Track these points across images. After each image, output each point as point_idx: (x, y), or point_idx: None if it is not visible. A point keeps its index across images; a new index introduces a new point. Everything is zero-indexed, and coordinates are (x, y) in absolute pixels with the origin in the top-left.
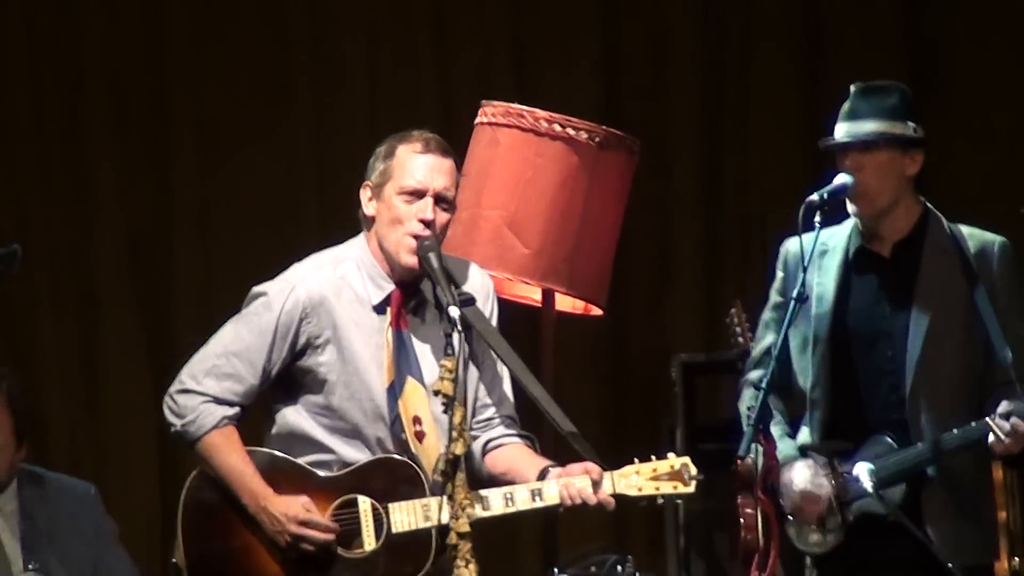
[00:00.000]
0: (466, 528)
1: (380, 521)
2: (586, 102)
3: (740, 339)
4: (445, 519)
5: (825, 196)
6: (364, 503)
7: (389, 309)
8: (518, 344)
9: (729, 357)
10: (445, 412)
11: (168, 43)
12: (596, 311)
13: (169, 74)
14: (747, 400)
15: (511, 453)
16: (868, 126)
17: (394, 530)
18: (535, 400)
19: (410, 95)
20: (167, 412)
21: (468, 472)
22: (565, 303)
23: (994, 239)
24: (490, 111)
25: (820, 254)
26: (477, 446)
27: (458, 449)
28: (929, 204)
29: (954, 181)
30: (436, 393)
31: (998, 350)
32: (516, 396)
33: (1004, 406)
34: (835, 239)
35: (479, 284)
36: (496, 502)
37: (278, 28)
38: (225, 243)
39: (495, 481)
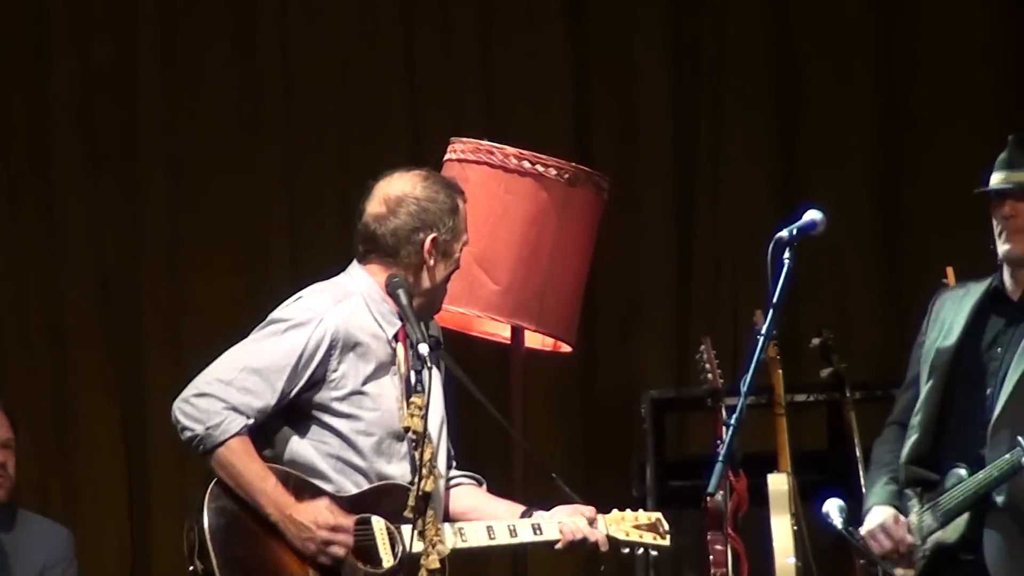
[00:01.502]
0: (436, 565)
1: (394, 540)
2: (556, 139)
3: (709, 375)
4: (416, 550)
5: (795, 232)
6: (378, 522)
7: (400, 345)
8: (488, 381)
9: (698, 393)
10: (415, 448)
11: (138, 78)
12: (565, 348)
13: (139, 109)
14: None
15: (470, 493)
16: None
17: (408, 550)
18: (521, 442)
19: (380, 131)
20: (183, 416)
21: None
22: (534, 340)
23: None
24: (459, 148)
25: (964, 295)
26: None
27: (428, 486)
28: None
29: (939, 213)
30: (406, 430)
31: None
32: (485, 434)
33: None
34: (980, 284)
35: (434, 327)
36: (501, 532)
37: (248, 64)
38: (195, 280)
39: (455, 520)
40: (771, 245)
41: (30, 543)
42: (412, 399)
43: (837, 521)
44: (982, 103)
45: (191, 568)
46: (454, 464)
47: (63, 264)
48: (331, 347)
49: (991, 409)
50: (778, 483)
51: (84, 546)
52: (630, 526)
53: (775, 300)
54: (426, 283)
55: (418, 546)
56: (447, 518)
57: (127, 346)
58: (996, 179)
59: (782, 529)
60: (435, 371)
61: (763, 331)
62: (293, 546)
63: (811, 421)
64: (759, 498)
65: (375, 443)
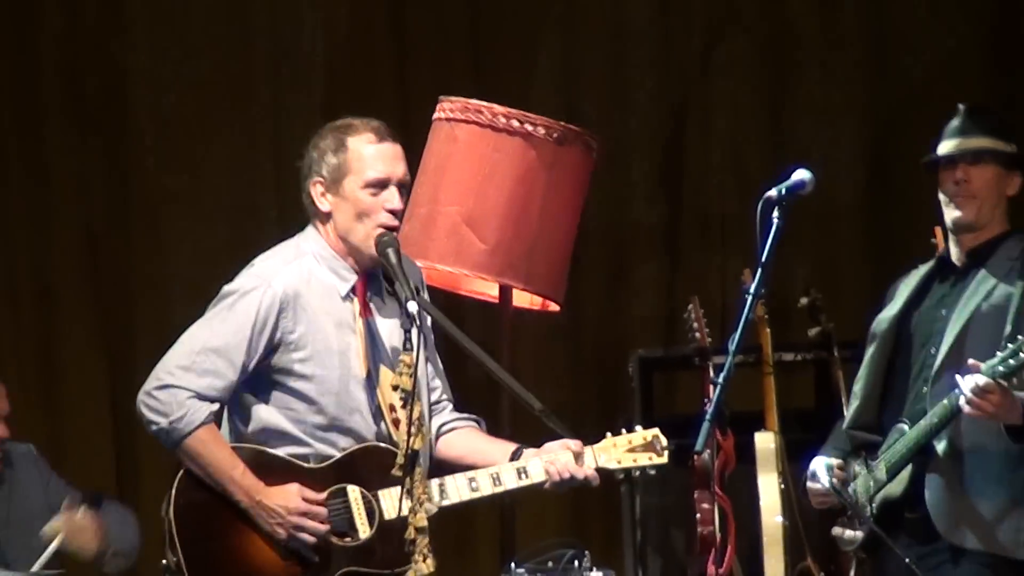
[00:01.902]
0: (424, 523)
1: (371, 509)
2: (545, 98)
3: (697, 334)
4: (404, 513)
5: (783, 191)
6: (354, 492)
7: (356, 299)
8: (475, 340)
9: (686, 352)
10: (404, 407)
11: (127, 35)
12: (553, 307)
13: (128, 66)
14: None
15: (466, 436)
16: (978, 142)
17: (386, 517)
18: (503, 382)
19: (368, 90)
20: (146, 411)
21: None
22: (523, 299)
23: None
24: (448, 107)
25: (914, 273)
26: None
27: (417, 444)
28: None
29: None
30: (395, 388)
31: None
32: (471, 379)
33: (974, 365)
34: (929, 263)
35: (414, 271)
36: (484, 483)
37: (237, 21)
38: (184, 236)
39: (451, 465)
40: (760, 204)
41: (19, 472)
42: (401, 357)
43: (824, 480)
44: (972, 61)
45: (164, 561)
46: (449, 407)
47: (51, 219)
48: (282, 309)
49: (932, 366)
50: (765, 442)
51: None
52: (623, 451)
53: (763, 259)
54: (341, 229)
55: (394, 510)
56: (441, 465)
57: (115, 303)
58: (948, 146)
59: (769, 488)
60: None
61: (751, 290)
62: (264, 532)
63: (799, 380)
64: (746, 457)
65: (339, 401)
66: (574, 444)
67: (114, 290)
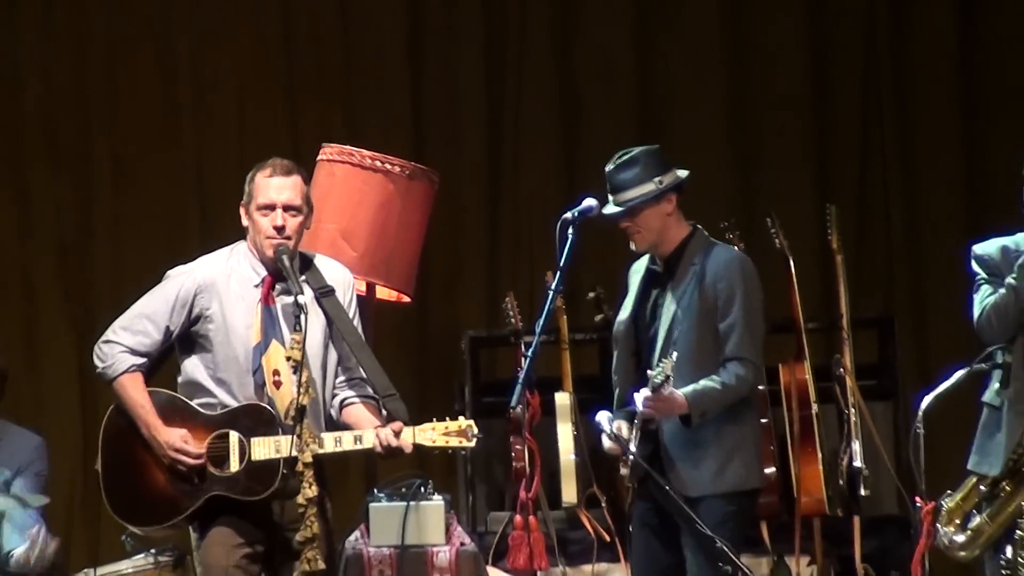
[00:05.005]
0: (309, 459)
1: (243, 451)
2: (400, 144)
3: (513, 320)
4: (294, 453)
5: (576, 215)
6: (233, 436)
7: (262, 288)
8: None
9: (505, 333)
10: (294, 373)
11: (90, 99)
12: (406, 299)
13: (91, 121)
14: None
15: (358, 411)
16: (626, 196)
17: (253, 458)
18: (363, 369)
19: (269, 138)
20: (95, 358)
21: (328, 420)
22: (383, 292)
23: (726, 253)
24: (329, 151)
25: (636, 272)
26: (336, 402)
27: (304, 400)
28: (699, 227)
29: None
30: (288, 359)
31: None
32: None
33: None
34: (645, 261)
35: (340, 277)
36: (329, 443)
37: (170, 87)
38: (132, 248)
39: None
40: (559, 223)
41: (6, 450)
42: (292, 335)
43: (606, 427)
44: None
45: (96, 467)
46: (361, 385)
47: (33, 237)
48: (198, 291)
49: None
50: (562, 400)
51: (48, 441)
52: (439, 434)
53: (561, 264)
54: (251, 239)
55: (262, 454)
56: (336, 428)
57: (81, 297)
58: (609, 206)
59: (565, 434)
60: (320, 312)
61: (553, 287)
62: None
63: (587, 354)
64: (548, 410)
65: (238, 363)
66: (395, 425)
67: (80, 287)
